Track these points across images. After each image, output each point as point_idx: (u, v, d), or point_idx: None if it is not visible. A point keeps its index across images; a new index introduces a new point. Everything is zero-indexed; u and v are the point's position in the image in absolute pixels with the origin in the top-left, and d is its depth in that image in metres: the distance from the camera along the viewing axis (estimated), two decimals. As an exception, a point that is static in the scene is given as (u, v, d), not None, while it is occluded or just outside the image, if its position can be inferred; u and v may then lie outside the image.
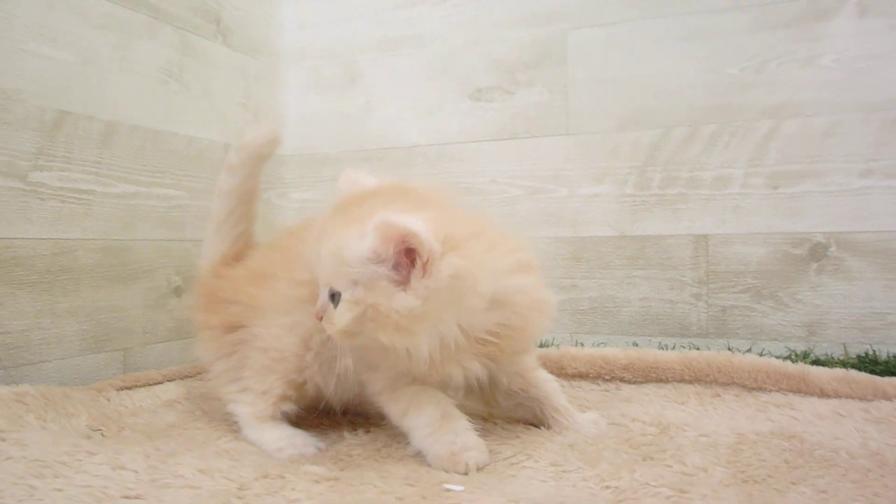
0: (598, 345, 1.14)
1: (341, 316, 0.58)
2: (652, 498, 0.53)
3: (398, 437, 0.67)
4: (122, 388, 0.90)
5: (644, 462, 0.63)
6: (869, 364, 0.93)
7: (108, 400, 0.85)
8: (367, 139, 1.34)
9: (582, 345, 1.14)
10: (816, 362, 0.95)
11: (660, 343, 1.11)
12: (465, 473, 0.60)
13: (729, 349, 1.06)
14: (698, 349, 1.08)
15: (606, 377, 0.95)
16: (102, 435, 0.70)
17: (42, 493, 0.52)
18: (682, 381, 0.91)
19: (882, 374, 0.90)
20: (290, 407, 0.71)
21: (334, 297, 0.60)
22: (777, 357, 0.97)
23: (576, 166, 1.17)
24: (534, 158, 1.20)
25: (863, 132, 0.99)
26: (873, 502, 0.52)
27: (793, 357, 0.99)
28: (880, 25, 0.98)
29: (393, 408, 0.65)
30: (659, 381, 0.92)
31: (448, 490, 0.55)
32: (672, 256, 1.10)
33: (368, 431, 0.73)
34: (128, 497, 0.52)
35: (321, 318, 0.61)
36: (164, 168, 1.13)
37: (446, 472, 0.60)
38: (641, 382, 0.93)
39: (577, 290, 1.16)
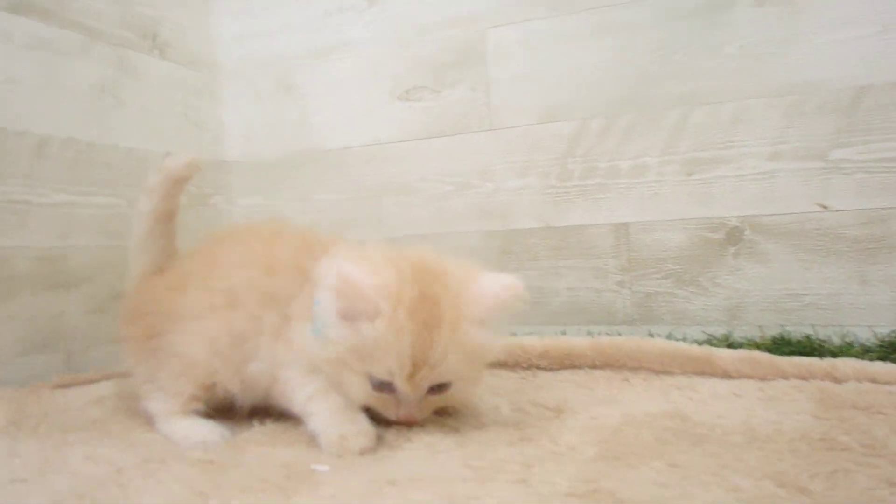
0: (527, 335, 1.13)
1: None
2: (504, 473, 0.53)
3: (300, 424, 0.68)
4: (57, 387, 0.91)
5: (518, 443, 0.63)
6: (782, 345, 0.92)
7: (39, 398, 0.85)
8: (304, 144, 1.34)
9: (514, 335, 1.14)
10: (734, 345, 0.94)
11: (588, 332, 1.10)
12: (352, 454, 0.60)
13: (651, 335, 1.05)
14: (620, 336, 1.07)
15: (524, 365, 0.94)
16: (17, 428, 0.70)
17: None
18: (594, 366, 0.91)
19: (790, 354, 0.89)
20: (199, 406, 0.72)
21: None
22: (699, 342, 0.97)
23: (501, 161, 1.17)
24: (461, 155, 1.20)
25: (769, 116, 0.99)
26: (719, 473, 0.51)
27: (712, 341, 0.99)
28: (778, 13, 0.98)
29: (300, 392, 0.66)
30: (573, 367, 0.92)
31: (314, 470, 0.55)
32: (595, 246, 1.10)
33: (277, 421, 0.72)
34: (13, 481, 0.53)
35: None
36: (102, 179, 1.14)
37: (335, 455, 0.60)
38: (557, 369, 0.92)
39: (508, 284, 1.16)
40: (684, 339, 1.01)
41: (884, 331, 0.92)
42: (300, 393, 0.65)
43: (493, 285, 0.65)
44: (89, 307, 1.09)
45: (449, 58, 1.21)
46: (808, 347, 0.90)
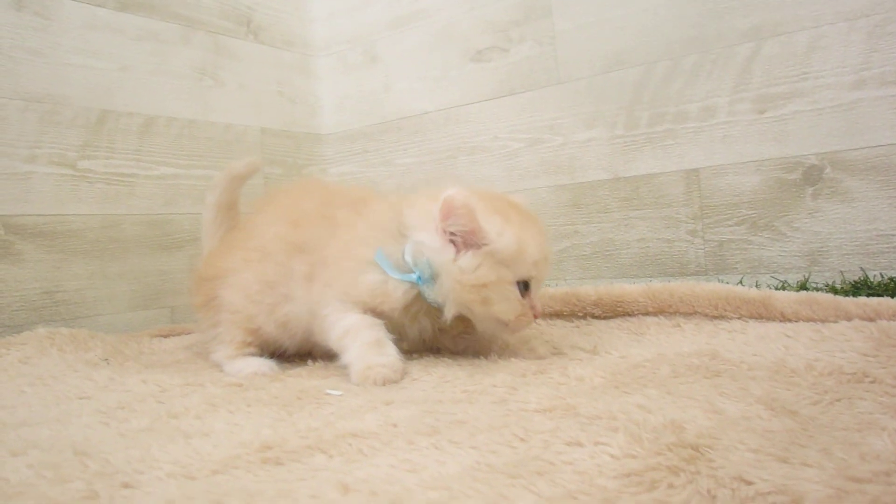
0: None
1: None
2: (487, 395, 0.55)
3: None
4: (156, 336, 1.04)
5: (528, 375, 0.64)
6: (862, 289, 0.85)
7: (138, 343, 0.99)
8: (388, 112, 1.41)
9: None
10: (808, 288, 0.89)
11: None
12: (376, 385, 0.64)
13: (722, 284, 1.01)
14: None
15: (579, 314, 0.95)
16: (107, 363, 0.83)
17: (28, 396, 0.65)
18: (646, 313, 0.89)
19: (873, 296, 0.82)
20: (252, 350, 0.80)
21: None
22: (777, 286, 0.93)
23: (568, 114, 1.16)
24: (530, 111, 1.21)
25: (850, 41, 0.90)
26: (710, 399, 0.50)
27: (786, 288, 0.93)
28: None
29: (337, 327, 0.70)
30: (626, 314, 0.91)
31: (328, 394, 0.61)
32: (665, 194, 1.07)
33: (327, 360, 0.77)
34: (80, 398, 0.64)
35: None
36: (202, 152, 1.28)
37: (360, 384, 0.64)
38: (610, 317, 0.92)
39: (579, 237, 1.16)
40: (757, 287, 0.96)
41: None
42: (337, 328, 0.70)
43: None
44: (192, 267, 1.23)
45: (515, 15, 1.21)
46: (892, 290, 0.82)
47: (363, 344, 0.69)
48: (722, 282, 1.01)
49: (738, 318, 0.81)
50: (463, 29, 1.28)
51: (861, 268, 0.91)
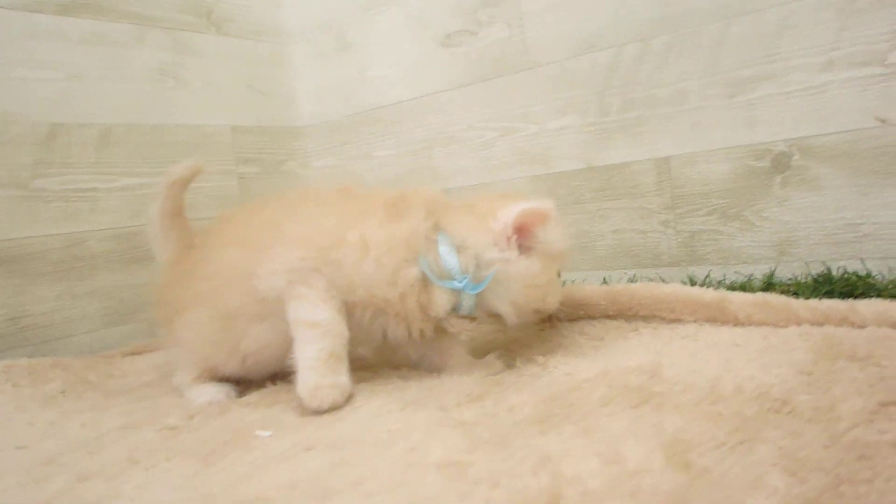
0: (577, 282, 1.12)
1: None
2: (403, 439, 0.55)
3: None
4: (128, 355, 1.05)
5: (464, 405, 0.64)
6: (822, 285, 0.83)
7: (108, 365, 0.98)
8: (363, 102, 1.39)
9: (570, 283, 1.13)
10: (771, 286, 0.87)
11: (634, 275, 1.06)
12: (320, 410, 0.65)
13: (690, 280, 0.99)
14: (664, 280, 1.02)
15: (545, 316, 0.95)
16: (64, 395, 0.84)
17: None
18: (608, 316, 0.89)
19: (830, 294, 0.80)
20: (210, 377, 0.79)
21: None
22: (736, 284, 0.91)
23: (540, 101, 1.14)
24: (503, 99, 1.18)
25: (819, 19, 0.85)
26: (614, 442, 0.50)
27: (752, 281, 0.91)
28: None
29: (301, 312, 0.69)
30: (588, 317, 0.90)
31: (256, 436, 0.62)
32: (638, 184, 1.04)
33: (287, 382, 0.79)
34: (17, 447, 0.65)
35: None
36: (169, 158, 1.22)
37: (305, 403, 0.65)
38: (574, 320, 0.91)
39: (555, 227, 1.14)
40: (722, 281, 0.94)
41: (959, 262, 0.79)
42: (303, 312, 0.69)
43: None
44: (151, 280, 1.18)
45: (482, -2, 1.18)
46: (852, 286, 0.80)
47: (320, 354, 0.68)
48: (689, 278, 0.99)
49: (695, 322, 0.81)
50: (433, 11, 1.25)
51: (823, 262, 0.88)
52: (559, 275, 0.76)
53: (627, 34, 1.02)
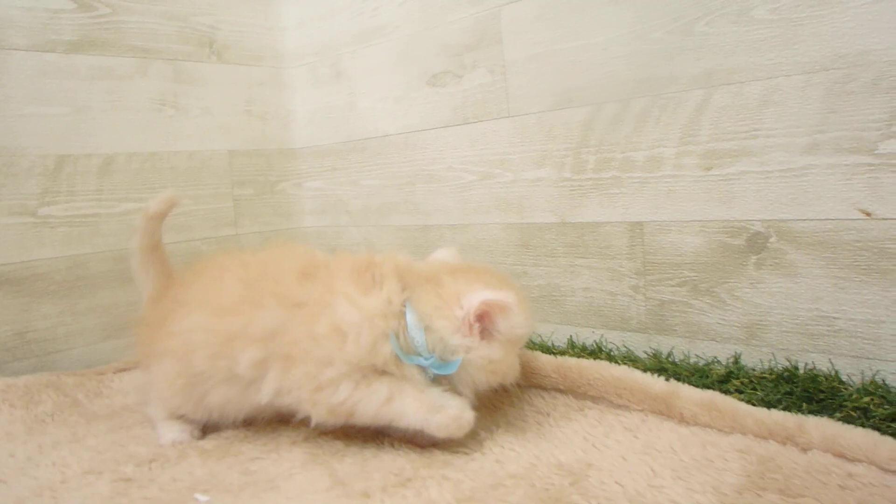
0: (550, 334, 1.07)
1: None
2: None
3: (253, 435, 0.77)
4: (118, 371, 1.07)
5: (390, 488, 0.61)
6: (783, 383, 0.77)
7: (98, 382, 1.02)
8: (353, 131, 1.35)
9: (539, 335, 1.08)
10: (732, 376, 0.81)
11: (601, 336, 1.01)
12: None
13: (654, 353, 0.93)
14: (629, 349, 0.97)
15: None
16: (52, 419, 0.88)
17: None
18: (558, 390, 0.84)
19: (789, 395, 0.74)
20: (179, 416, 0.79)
21: None
22: (707, 361, 0.86)
23: (518, 150, 1.08)
24: (482, 143, 1.13)
25: (805, 97, 0.79)
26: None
27: (714, 364, 0.85)
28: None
29: (373, 399, 0.67)
30: (540, 387, 0.85)
31: (195, 499, 0.61)
32: (610, 245, 0.99)
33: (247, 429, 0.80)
34: None
35: None
36: (165, 183, 1.25)
37: (453, 437, 0.68)
38: (526, 387, 0.87)
39: (528, 278, 1.09)
40: (685, 359, 0.89)
41: (933, 374, 0.72)
42: (374, 399, 0.68)
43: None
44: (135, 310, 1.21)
45: (468, 38, 1.12)
46: (816, 389, 0.74)
47: (417, 397, 0.68)
48: (657, 348, 0.94)
49: (641, 412, 0.75)
50: (420, 50, 1.20)
51: (791, 353, 0.81)
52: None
53: (607, 93, 0.96)
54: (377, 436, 0.75)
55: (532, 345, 1.02)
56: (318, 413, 0.68)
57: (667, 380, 0.76)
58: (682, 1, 0.86)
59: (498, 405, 0.82)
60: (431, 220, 1.21)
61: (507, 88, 1.07)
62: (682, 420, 0.71)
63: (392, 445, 0.73)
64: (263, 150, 1.42)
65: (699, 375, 0.81)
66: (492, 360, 0.69)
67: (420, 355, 0.69)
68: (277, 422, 0.80)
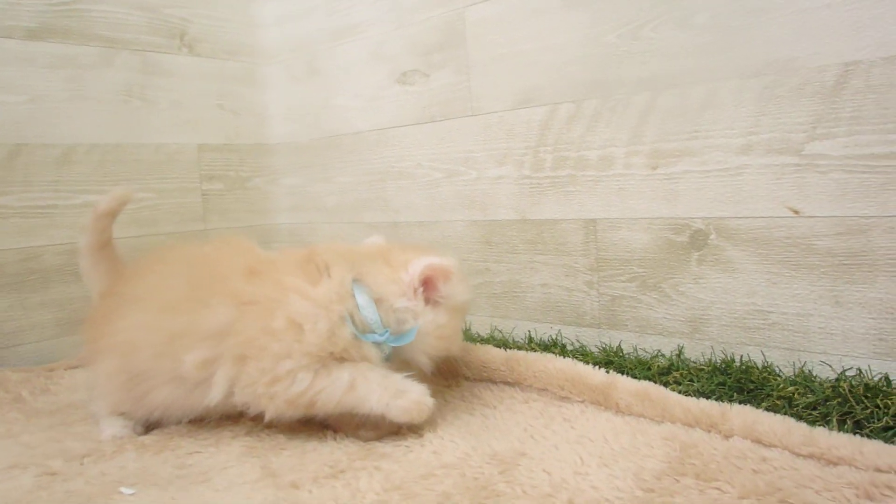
0: (511, 330, 1.11)
1: None
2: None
3: (195, 430, 0.79)
4: (70, 368, 1.08)
5: (322, 479, 0.65)
6: (717, 374, 0.81)
7: (48, 378, 1.03)
8: (328, 127, 1.39)
9: (500, 331, 1.12)
10: (681, 366, 0.85)
11: (559, 331, 1.05)
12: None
13: (604, 348, 0.97)
14: (582, 344, 1.01)
15: (453, 373, 0.94)
16: None
17: None
18: (506, 382, 0.88)
19: (722, 385, 0.78)
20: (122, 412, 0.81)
21: None
22: (652, 355, 0.89)
23: (482, 148, 1.12)
24: (449, 142, 1.17)
25: (741, 100, 0.82)
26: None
27: (658, 358, 0.89)
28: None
29: (335, 388, 0.70)
30: (490, 381, 0.89)
31: (120, 492, 0.64)
32: (566, 242, 1.03)
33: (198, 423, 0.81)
34: None
35: None
36: (129, 175, 1.27)
37: (414, 421, 0.72)
38: (476, 380, 0.91)
39: (490, 274, 1.13)
40: (633, 352, 0.92)
41: (851, 364, 0.76)
42: (337, 385, 0.70)
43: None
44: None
45: (435, 39, 1.16)
46: (748, 380, 0.78)
47: (381, 383, 0.71)
48: (607, 343, 0.97)
49: (581, 403, 0.79)
50: (392, 48, 1.24)
51: (729, 346, 0.86)
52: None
53: (562, 94, 1.00)
54: (321, 429, 0.78)
55: (493, 340, 1.06)
56: (276, 406, 0.70)
57: (607, 372, 0.80)
58: (631, 6, 0.90)
59: (448, 399, 0.86)
60: (401, 217, 1.25)
61: (471, 88, 1.11)
62: (618, 410, 0.75)
63: (334, 439, 0.76)
64: (235, 146, 1.45)
65: (642, 368, 0.85)
66: (439, 325, 0.74)
67: (375, 332, 0.72)
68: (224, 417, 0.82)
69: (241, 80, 1.47)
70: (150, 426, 0.81)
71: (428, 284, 0.74)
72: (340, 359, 0.72)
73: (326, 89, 1.38)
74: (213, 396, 0.71)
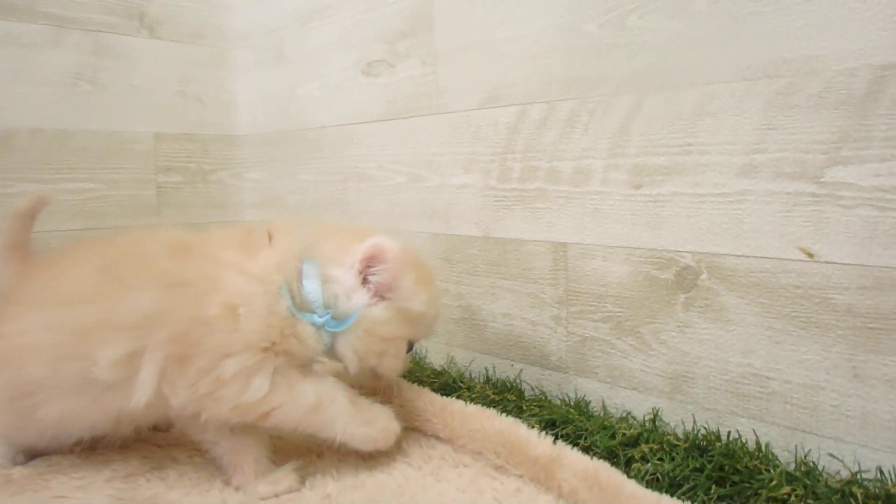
0: (468, 363, 0.94)
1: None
2: None
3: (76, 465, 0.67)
4: None
5: None
6: (699, 455, 0.62)
7: None
8: (293, 119, 1.23)
9: (455, 363, 0.95)
10: (643, 436, 0.67)
11: (520, 371, 0.87)
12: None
13: (566, 400, 0.80)
14: (543, 391, 0.83)
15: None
16: None
17: None
18: (438, 437, 0.71)
19: (699, 471, 0.60)
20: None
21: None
22: (620, 416, 0.72)
23: (447, 151, 0.95)
24: (412, 141, 1.00)
25: (744, 109, 0.64)
26: None
27: (629, 421, 0.72)
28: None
29: (298, 405, 0.60)
30: (421, 432, 0.73)
31: None
32: (532, 267, 0.85)
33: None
34: None
35: None
36: (74, 164, 1.15)
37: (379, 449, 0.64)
38: (407, 428, 0.74)
39: (450, 297, 0.96)
40: (603, 410, 0.75)
41: (870, 460, 0.57)
42: (295, 406, 0.60)
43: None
44: None
45: (403, 24, 0.98)
46: (732, 467, 0.59)
47: (348, 409, 0.63)
48: (572, 393, 0.80)
49: (518, 478, 0.62)
50: (359, 34, 1.07)
51: (733, 412, 0.67)
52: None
53: (534, 92, 0.81)
54: (212, 476, 0.65)
55: (446, 374, 0.89)
56: (220, 411, 0.59)
57: (556, 440, 0.63)
58: (618, -13, 0.71)
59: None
60: (361, 223, 1.09)
61: (437, 81, 0.93)
62: (560, 494, 0.58)
63: (221, 491, 0.63)
64: (198, 136, 1.31)
65: (605, 434, 0.68)
66: (376, 321, 0.62)
67: (315, 312, 0.61)
68: (117, 448, 0.70)
69: (207, 66, 1.31)
70: (34, 453, 0.70)
71: (382, 273, 0.62)
72: (301, 365, 0.60)
73: (292, 78, 1.21)
74: (138, 399, 0.58)
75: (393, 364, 0.67)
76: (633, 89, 0.72)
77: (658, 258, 0.72)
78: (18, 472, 0.67)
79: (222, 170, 1.34)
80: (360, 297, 0.63)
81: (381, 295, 0.63)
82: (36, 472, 0.66)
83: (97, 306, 0.60)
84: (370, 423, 0.62)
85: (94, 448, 0.70)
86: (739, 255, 0.65)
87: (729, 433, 0.65)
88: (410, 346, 0.70)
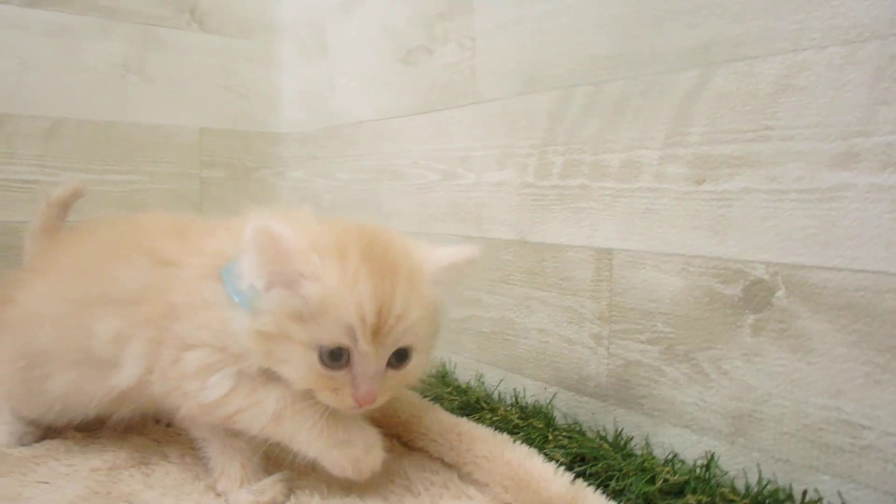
0: (497, 383, 0.82)
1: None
2: None
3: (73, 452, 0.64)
4: None
5: None
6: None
7: None
8: (332, 115, 1.14)
9: (482, 382, 0.83)
10: (692, 485, 0.52)
11: (554, 395, 0.74)
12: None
13: (603, 436, 0.66)
14: (577, 420, 0.70)
15: (392, 433, 0.66)
16: None
17: None
18: (443, 462, 0.59)
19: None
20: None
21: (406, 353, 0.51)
22: (666, 458, 0.58)
23: (482, 145, 0.83)
24: (448, 135, 0.89)
25: (843, 79, 0.49)
26: None
27: (675, 465, 0.57)
28: None
29: (258, 414, 0.52)
30: (426, 453, 0.61)
31: None
32: (571, 276, 0.71)
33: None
34: None
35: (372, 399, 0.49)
36: (120, 156, 1.12)
37: (352, 479, 0.52)
38: (413, 449, 0.62)
39: (481, 308, 0.84)
40: (645, 449, 0.61)
41: None
42: (260, 414, 0.52)
43: (446, 249, 0.56)
44: None
45: (441, 6, 0.88)
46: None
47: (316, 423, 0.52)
48: (609, 431, 0.66)
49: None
50: (396, 20, 0.97)
51: (811, 466, 0.51)
52: (346, 355, 0.50)
53: (578, 72, 0.69)
54: (196, 479, 0.58)
55: (471, 391, 0.77)
56: (189, 407, 0.53)
57: (581, 478, 0.49)
58: (682, -56, 0.58)
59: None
60: (391, 224, 0.98)
61: (475, 66, 0.82)
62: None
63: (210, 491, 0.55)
64: (242, 132, 1.25)
65: (644, 477, 0.53)
66: (259, 312, 0.49)
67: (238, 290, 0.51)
68: (120, 433, 0.65)
69: (253, 60, 1.26)
70: (43, 434, 0.67)
71: (266, 259, 0.48)
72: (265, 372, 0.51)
73: (332, 70, 1.13)
74: (121, 380, 0.54)
75: (291, 373, 0.50)
76: (697, 64, 0.58)
77: (722, 269, 0.57)
78: (18, 452, 0.63)
79: (265, 168, 1.28)
80: (245, 282, 0.50)
81: (276, 284, 0.49)
82: (32, 453, 0.63)
83: (96, 278, 0.57)
84: (342, 446, 0.50)
85: (99, 430, 0.67)
86: (830, 269, 0.50)
87: (805, 492, 0.50)
88: (345, 359, 0.49)
